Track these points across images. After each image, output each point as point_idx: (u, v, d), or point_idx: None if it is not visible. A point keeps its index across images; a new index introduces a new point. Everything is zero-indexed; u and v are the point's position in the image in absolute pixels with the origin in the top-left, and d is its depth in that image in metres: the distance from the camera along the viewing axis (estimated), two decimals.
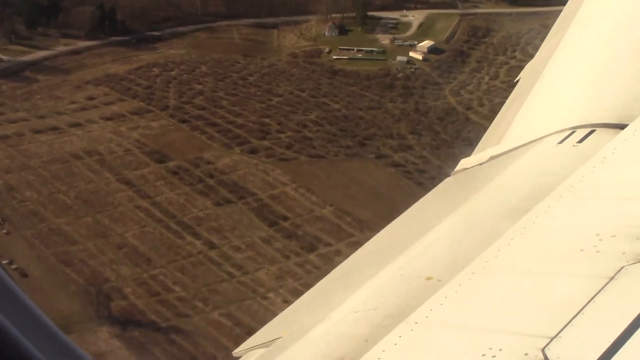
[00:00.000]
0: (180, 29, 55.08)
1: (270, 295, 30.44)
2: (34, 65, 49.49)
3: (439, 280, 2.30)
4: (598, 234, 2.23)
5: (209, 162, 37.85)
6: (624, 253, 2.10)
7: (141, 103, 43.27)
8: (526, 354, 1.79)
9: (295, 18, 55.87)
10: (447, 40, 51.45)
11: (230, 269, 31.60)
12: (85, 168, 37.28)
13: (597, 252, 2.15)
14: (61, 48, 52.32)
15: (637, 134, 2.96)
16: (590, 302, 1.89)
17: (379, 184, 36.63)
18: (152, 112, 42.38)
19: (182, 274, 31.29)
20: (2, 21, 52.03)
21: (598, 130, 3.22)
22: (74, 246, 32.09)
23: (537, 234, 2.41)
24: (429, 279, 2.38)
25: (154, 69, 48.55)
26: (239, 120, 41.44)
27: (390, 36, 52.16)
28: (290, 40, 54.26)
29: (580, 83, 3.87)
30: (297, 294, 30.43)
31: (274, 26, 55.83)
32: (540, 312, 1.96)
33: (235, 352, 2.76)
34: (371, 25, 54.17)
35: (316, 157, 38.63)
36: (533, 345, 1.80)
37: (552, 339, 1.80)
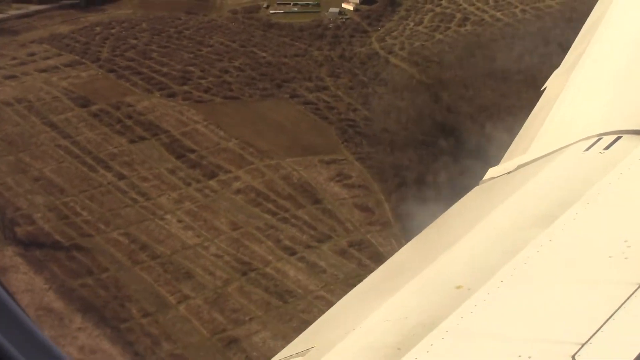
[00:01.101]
0: None
1: (168, 216, 32.70)
2: None
3: (469, 289, 2.29)
4: (626, 241, 2.23)
5: (129, 105, 39.96)
6: None
7: (76, 57, 45.51)
8: None
9: None
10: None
11: (135, 196, 33.89)
12: (14, 113, 39.64)
13: (626, 258, 2.14)
14: (13, 12, 54.65)
15: None
16: (620, 309, 1.89)
17: (286, 120, 38.50)
18: (84, 64, 44.56)
19: (91, 201, 33.65)
20: None
21: (624, 136, 3.17)
22: None
23: (565, 242, 2.40)
24: (459, 287, 2.39)
25: (97, 28, 50.66)
26: (164, 69, 43.44)
27: None
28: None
29: (605, 91, 3.86)
30: (192, 214, 32.74)
31: None
32: (569, 319, 1.97)
33: None
34: None
35: (231, 99, 40.61)
36: (563, 352, 1.80)
37: (582, 345, 1.80)
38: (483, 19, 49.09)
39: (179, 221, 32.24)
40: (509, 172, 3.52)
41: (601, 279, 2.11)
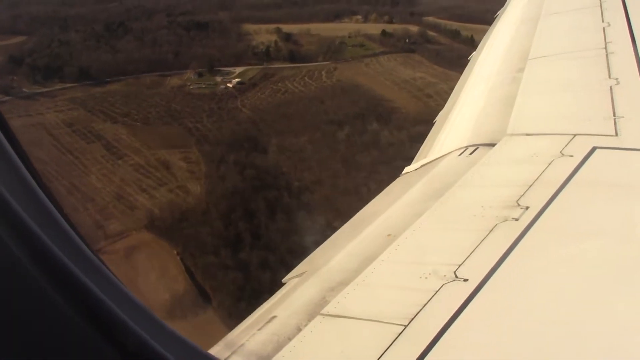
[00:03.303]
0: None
1: None
2: None
3: (394, 236, 3.48)
4: (482, 206, 3.49)
5: None
6: (497, 216, 3.29)
7: None
8: (444, 275, 2.85)
9: (182, 70, 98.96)
10: (249, 79, 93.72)
11: None
12: None
13: (482, 216, 3.37)
14: None
15: (500, 149, 4.36)
16: (483, 241, 3.07)
17: (172, 136, 76.68)
18: None
19: None
20: None
21: (480, 147, 4.64)
22: None
23: (448, 208, 3.69)
24: (388, 235, 3.56)
25: None
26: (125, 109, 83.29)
27: (222, 77, 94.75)
28: (175, 81, 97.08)
29: (470, 120, 5.51)
30: None
31: (170, 74, 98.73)
32: (451, 251, 3.09)
33: (284, 279, 3.71)
34: (216, 72, 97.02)
35: (146, 124, 79.57)
36: (449, 270, 2.88)
37: (459, 265, 2.91)
38: (294, 91, 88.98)
39: None
40: (416, 169, 5.10)
41: (468, 228, 3.29)
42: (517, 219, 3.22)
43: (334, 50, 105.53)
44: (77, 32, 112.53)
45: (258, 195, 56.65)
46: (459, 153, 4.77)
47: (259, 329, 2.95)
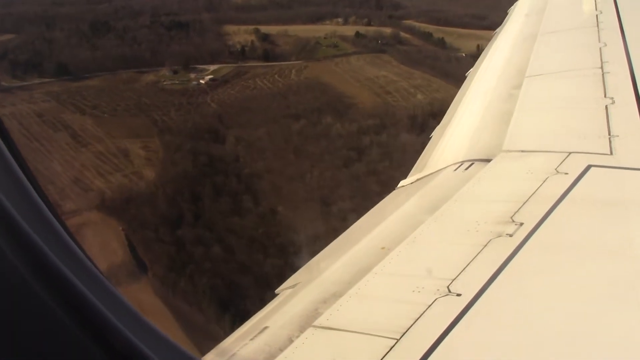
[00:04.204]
0: None
1: None
2: None
3: (389, 249, 3.51)
4: (477, 221, 3.52)
5: None
6: (491, 232, 3.33)
7: None
8: (438, 290, 2.85)
9: (159, 67, 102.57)
10: (222, 76, 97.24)
11: None
12: None
13: (477, 231, 3.40)
14: None
15: (496, 165, 4.44)
16: (477, 257, 3.11)
17: (137, 127, 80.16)
18: None
19: None
20: None
21: (476, 163, 4.70)
22: None
23: (443, 222, 3.72)
24: (382, 248, 3.59)
25: None
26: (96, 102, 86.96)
27: (196, 74, 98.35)
28: (150, 77, 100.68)
29: (466, 136, 5.56)
30: None
31: (146, 71, 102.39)
32: (445, 265, 3.09)
33: (277, 290, 3.73)
34: (191, 70, 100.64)
35: (114, 116, 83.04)
36: (442, 284, 2.89)
37: (452, 280, 2.90)
38: (263, 87, 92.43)
39: None
40: (411, 183, 5.10)
41: (463, 242, 3.30)
42: (511, 235, 3.26)
43: (308, 50, 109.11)
44: (62, 30, 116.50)
45: (206, 180, 60.00)
46: (455, 168, 4.83)
47: (251, 339, 2.93)
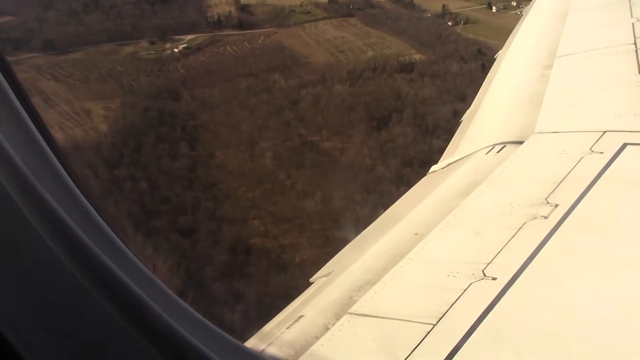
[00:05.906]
0: None
1: None
2: None
3: (422, 235, 3.51)
4: (511, 204, 3.48)
5: None
6: (525, 214, 3.27)
7: None
8: (473, 274, 2.80)
9: (140, 40, 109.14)
10: (197, 45, 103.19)
11: None
12: None
13: (511, 214, 3.36)
14: None
15: (529, 147, 4.32)
16: (511, 240, 3.04)
17: (111, 91, 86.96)
18: None
19: None
20: None
21: (508, 145, 4.63)
22: None
23: (477, 205, 3.70)
24: (416, 234, 3.56)
25: None
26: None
27: (172, 44, 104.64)
28: (130, 49, 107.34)
29: (497, 119, 5.50)
30: None
31: (127, 44, 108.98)
32: (479, 249, 3.08)
33: (312, 279, 3.70)
34: (168, 40, 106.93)
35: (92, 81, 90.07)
36: (477, 268, 2.85)
37: (487, 264, 2.85)
38: (230, 53, 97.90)
39: None
40: (442, 168, 5.03)
41: (497, 226, 3.23)
42: (546, 217, 3.20)
43: (282, 17, 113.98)
44: (57, 10, 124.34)
45: (151, 131, 66.43)
46: (487, 151, 4.72)
47: (287, 327, 2.92)
